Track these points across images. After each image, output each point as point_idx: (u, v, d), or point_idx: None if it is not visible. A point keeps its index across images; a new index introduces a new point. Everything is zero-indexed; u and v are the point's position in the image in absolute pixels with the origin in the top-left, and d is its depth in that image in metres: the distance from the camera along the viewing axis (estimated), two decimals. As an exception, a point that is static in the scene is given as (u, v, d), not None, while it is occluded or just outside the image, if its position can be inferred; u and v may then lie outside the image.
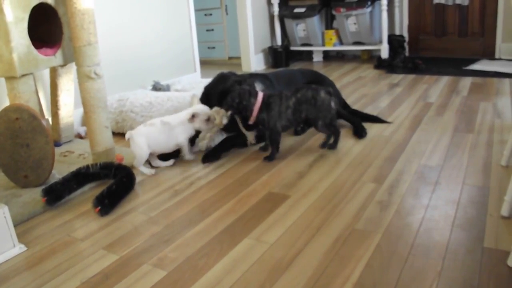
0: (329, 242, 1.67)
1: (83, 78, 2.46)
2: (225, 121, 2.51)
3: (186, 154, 2.58)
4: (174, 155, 2.63)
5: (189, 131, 2.53)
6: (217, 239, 1.75)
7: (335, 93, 3.10)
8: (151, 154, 2.52)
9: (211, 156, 2.60)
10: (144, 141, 2.44)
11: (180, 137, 2.51)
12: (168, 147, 2.54)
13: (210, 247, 1.70)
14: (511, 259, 1.48)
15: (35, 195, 2.19)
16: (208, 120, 2.51)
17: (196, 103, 2.60)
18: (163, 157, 2.60)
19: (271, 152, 2.56)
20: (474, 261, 1.51)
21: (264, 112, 2.47)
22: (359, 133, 2.81)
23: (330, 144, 2.64)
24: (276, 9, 5.70)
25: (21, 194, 2.22)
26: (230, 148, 2.72)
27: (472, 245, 1.60)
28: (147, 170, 2.48)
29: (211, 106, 2.57)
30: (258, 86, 2.75)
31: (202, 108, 2.53)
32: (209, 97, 2.72)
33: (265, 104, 2.47)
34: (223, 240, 1.74)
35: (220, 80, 2.70)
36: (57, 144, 2.97)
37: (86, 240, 1.82)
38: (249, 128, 2.70)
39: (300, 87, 2.55)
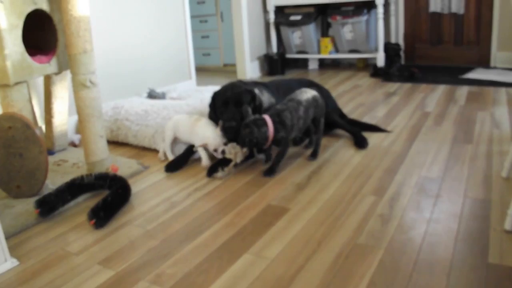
0: (331, 258, 1.63)
1: (78, 87, 2.42)
2: (239, 158, 2.48)
3: (203, 160, 2.61)
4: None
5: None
6: (216, 254, 1.71)
7: (332, 103, 3.09)
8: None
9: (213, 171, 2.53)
10: (172, 126, 2.73)
11: (197, 141, 2.60)
12: (189, 139, 2.68)
13: (209, 263, 1.65)
14: (517, 276, 1.45)
15: (28, 206, 2.14)
16: (215, 151, 2.52)
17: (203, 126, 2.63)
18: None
19: (273, 165, 2.47)
20: (479, 278, 1.48)
21: (282, 131, 2.40)
22: (360, 144, 2.77)
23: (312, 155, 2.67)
24: (272, 17, 5.68)
25: (14, 205, 2.17)
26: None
27: (477, 261, 1.57)
28: (169, 154, 2.75)
29: (217, 111, 2.60)
30: (266, 95, 2.72)
31: (211, 141, 2.52)
32: (216, 103, 2.68)
33: (278, 123, 2.39)
34: (222, 256, 1.69)
35: (230, 88, 2.63)
36: (51, 152, 2.91)
37: (80, 254, 1.78)
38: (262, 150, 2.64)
39: (298, 93, 2.57)
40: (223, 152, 2.50)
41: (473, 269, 1.53)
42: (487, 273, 1.50)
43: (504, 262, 1.55)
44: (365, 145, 2.76)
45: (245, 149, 2.48)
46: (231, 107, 2.55)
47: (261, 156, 2.69)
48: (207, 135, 2.54)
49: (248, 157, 2.60)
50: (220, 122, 2.56)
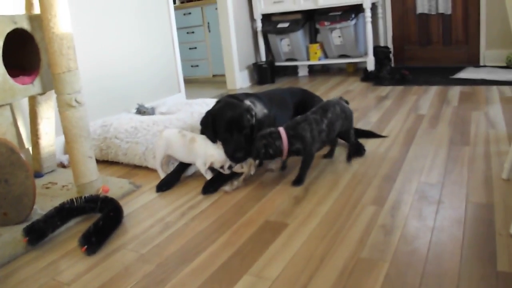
0: (335, 275, 1.56)
1: (63, 107, 2.34)
2: (253, 171, 2.50)
3: (205, 175, 2.53)
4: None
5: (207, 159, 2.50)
6: (215, 277, 1.63)
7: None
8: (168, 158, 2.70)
9: (210, 186, 2.44)
10: (163, 144, 2.60)
11: (197, 159, 2.53)
12: (187, 160, 2.59)
13: (208, 287, 1.58)
14: (529, 285, 1.39)
15: (15, 234, 2.05)
16: (221, 168, 2.46)
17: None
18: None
19: (301, 174, 2.42)
20: (490, 289, 1.42)
21: (298, 143, 2.37)
22: (358, 151, 2.71)
23: (350, 155, 2.65)
24: (259, 25, 5.64)
25: (0, 234, 2.08)
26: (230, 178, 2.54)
27: (485, 270, 1.51)
28: (160, 172, 2.66)
29: (218, 134, 2.49)
30: (258, 107, 2.63)
31: (217, 158, 2.44)
32: (215, 124, 2.52)
33: (292, 137, 2.36)
34: (221, 278, 1.62)
35: (228, 107, 2.52)
36: (39, 175, 2.83)
37: (73, 284, 1.69)
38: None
39: (324, 105, 2.51)
40: (230, 167, 2.46)
41: (483, 279, 1.47)
42: (497, 282, 1.44)
43: (514, 269, 1.50)
44: (362, 152, 2.70)
45: (257, 161, 2.49)
46: (236, 134, 2.45)
47: (271, 166, 2.65)
48: (210, 154, 2.46)
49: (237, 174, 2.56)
50: (226, 147, 2.46)
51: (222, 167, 2.45)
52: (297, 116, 2.48)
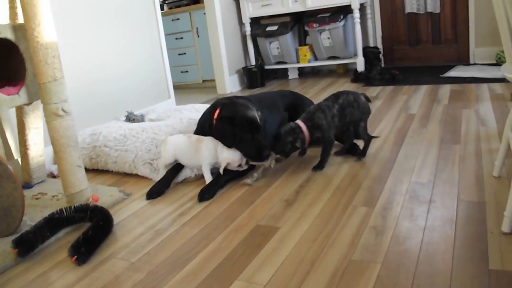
0: (326, 278, 1.55)
1: (50, 116, 2.32)
2: (273, 164, 2.59)
3: (206, 177, 2.54)
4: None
5: (213, 159, 2.55)
6: (205, 284, 1.61)
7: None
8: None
9: (206, 193, 2.41)
10: (171, 149, 2.59)
11: (204, 161, 2.54)
12: (193, 162, 2.59)
13: (198, 294, 1.57)
14: (521, 283, 1.39)
15: (5, 246, 2.03)
16: (239, 166, 2.53)
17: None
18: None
19: (321, 161, 2.57)
20: (483, 287, 1.40)
21: (317, 132, 2.52)
22: (353, 151, 2.71)
23: (359, 153, 2.68)
24: (248, 29, 5.64)
25: (-10, 247, 2.06)
26: (225, 184, 2.55)
27: (478, 269, 1.50)
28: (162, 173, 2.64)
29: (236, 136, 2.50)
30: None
31: (233, 158, 2.49)
32: (235, 128, 2.50)
33: (311, 127, 2.51)
34: (212, 285, 1.60)
35: (243, 109, 2.54)
36: (29, 186, 2.81)
37: (62, 295, 1.68)
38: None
39: (338, 92, 2.61)
40: (247, 162, 2.57)
41: (475, 278, 1.46)
42: (489, 281, 1.43)
43: (506, 267, 1.49)
44: (358, 151, 2.69)
45: (277, 155, 2.60)
46: (256, 135, 2.51)
47: (247, 181, 2.56)
48: (225, 157, 2.49)
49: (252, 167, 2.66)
50: (248, 148, 2.51)
51: (240, 165, 2.53)
52: (310, 107, 2.62)
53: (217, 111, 2.57)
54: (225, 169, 2.51)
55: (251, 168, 2.65)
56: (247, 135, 2.48)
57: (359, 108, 2.58)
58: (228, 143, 2.51)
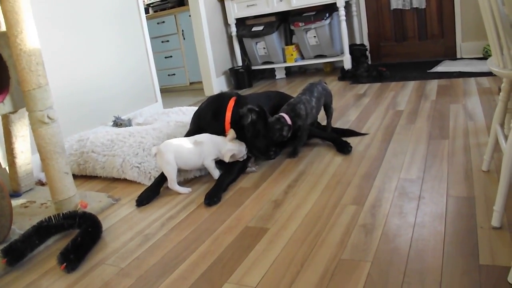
0: (316, 278, 1.54)
1: (36, 124, 2.29)
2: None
3: (213, 173, 2.58)
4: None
5: (216, 154, 2.57)
6: (196, 287, 1.60)
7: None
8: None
9: (214, 197, 2.36)
10: (172, 158, 2.48)
11: (207, 158, 2.55)
12: (195, 164, 2.58)
13: (188, 299, 1.55)
14: (511, 276, 1.38)
15: (-7, 256, 2.01)
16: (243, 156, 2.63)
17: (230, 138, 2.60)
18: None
19: (295, 148, 2.83)
20: (473, 282, 1.41)
21: (299, 120, 2.75)
22: (343, 149, 2.72)
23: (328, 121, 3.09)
24: (233, 30, 5.62)
25: (-22, 257, 2.03)
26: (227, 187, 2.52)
27: (468, 264, 1.50)
28: (183, 190, 2.52)
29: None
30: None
31: (238, 149, 2.57)
32: (256, 125, 2.63)
33: (294, 117, 2.74)
34: (201, 289, 1.59)
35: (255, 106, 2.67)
36: (17, 194, 2.78)
37: (51, 304, 1.66)
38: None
39: (309, 87, 2.97)
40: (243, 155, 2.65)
41: (466, 274, 1.46)
42: (480, 276, 1.43)
43: (496, 262, 1.49)
44: (349, 149, 2.70)
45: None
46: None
47: (251, 168, 2.72)
48: (229, 148, 2.54)
49: (249, 158, 2.74)
50: (259, 145, 2.65)
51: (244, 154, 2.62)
52: (290, 100, 2.86)
53: (232, 102, 2.72)
54: (225, 170, 2.55)
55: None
56: (264, 130, 2.65)
57: (327, 95, 3.03)
58: (250, 134, 2.62)
